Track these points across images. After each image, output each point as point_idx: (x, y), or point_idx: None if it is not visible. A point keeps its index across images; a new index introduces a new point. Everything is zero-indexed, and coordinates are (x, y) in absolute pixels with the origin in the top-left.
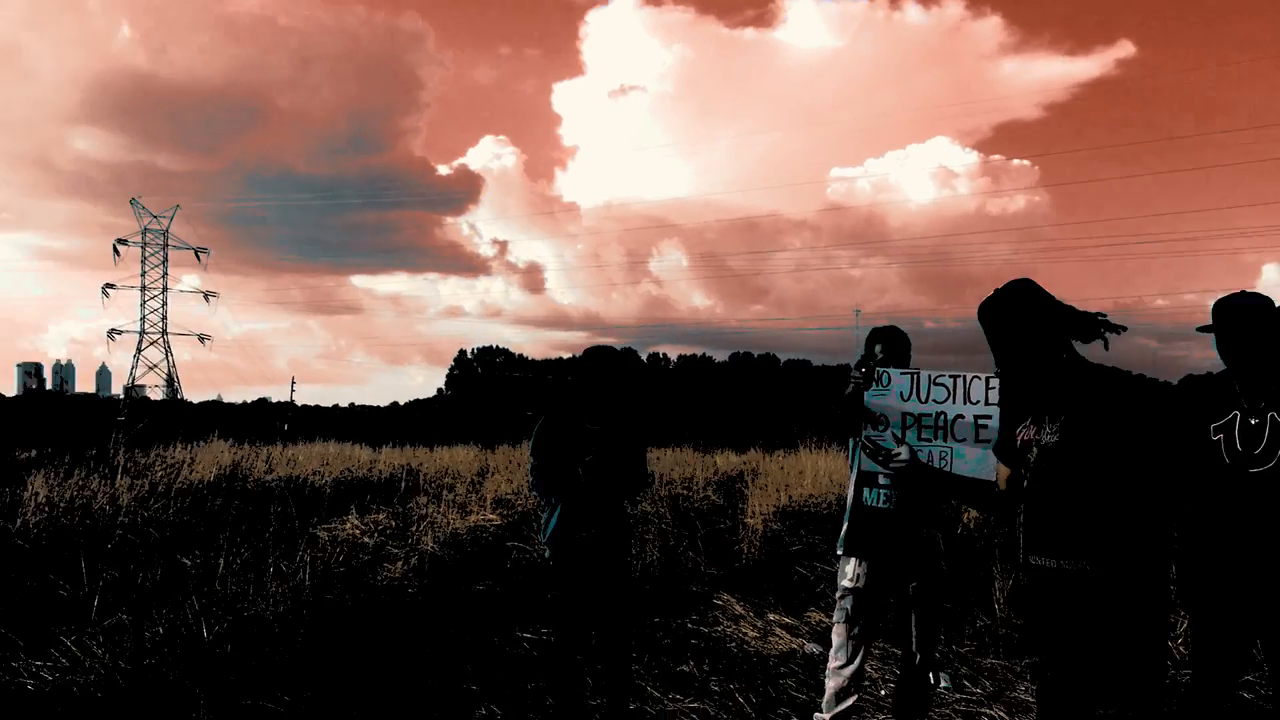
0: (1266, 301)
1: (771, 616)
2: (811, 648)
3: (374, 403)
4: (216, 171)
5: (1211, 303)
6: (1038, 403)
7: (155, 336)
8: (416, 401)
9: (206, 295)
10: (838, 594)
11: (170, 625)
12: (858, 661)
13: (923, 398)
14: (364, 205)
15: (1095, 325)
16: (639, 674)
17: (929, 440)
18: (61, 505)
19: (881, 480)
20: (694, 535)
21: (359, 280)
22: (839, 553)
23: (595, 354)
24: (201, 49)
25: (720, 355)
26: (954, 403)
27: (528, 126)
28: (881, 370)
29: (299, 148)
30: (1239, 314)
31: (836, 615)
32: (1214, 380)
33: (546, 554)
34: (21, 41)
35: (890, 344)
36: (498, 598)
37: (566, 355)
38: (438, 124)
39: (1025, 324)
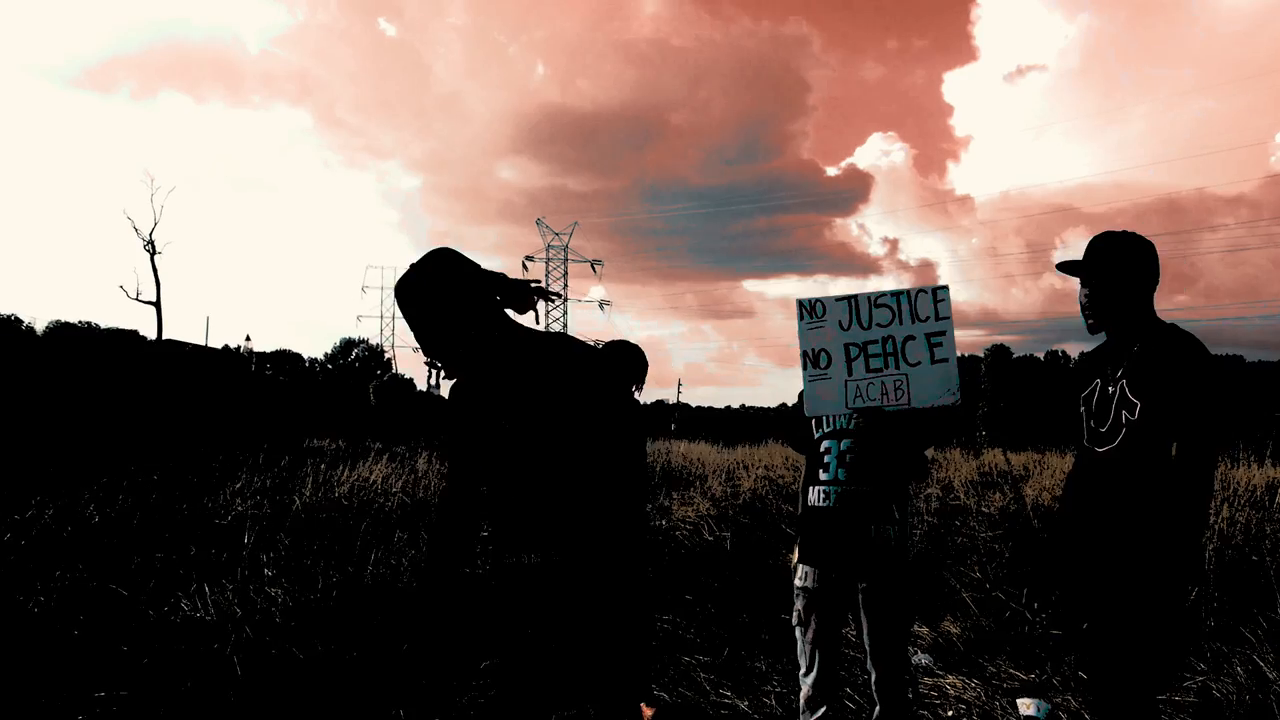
0: (1130, 238)
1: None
2: (921, 658)
3: (764, 404)
4: (617, 190)
5: None
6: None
7: None
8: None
9: (601, 304)
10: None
11: None
12: (818, 668)
13: (865, 323)
14: (754, 211)
15: (528, 293)
16: None
17: (879, 370)
18: None
19: (823, 476)
20: None
21: (751, 285)
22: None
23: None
24: (604, 78)
25: None
26: (901, 323)
27: (917, 120)
28: (815, 300)
29: (692, 161)
30: (1102, 250)
31: (793, 618)
32: (1099, 348)
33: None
34: (461, 90)
35: None
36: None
37: None
38: (825, 126)
39: (447, 300)
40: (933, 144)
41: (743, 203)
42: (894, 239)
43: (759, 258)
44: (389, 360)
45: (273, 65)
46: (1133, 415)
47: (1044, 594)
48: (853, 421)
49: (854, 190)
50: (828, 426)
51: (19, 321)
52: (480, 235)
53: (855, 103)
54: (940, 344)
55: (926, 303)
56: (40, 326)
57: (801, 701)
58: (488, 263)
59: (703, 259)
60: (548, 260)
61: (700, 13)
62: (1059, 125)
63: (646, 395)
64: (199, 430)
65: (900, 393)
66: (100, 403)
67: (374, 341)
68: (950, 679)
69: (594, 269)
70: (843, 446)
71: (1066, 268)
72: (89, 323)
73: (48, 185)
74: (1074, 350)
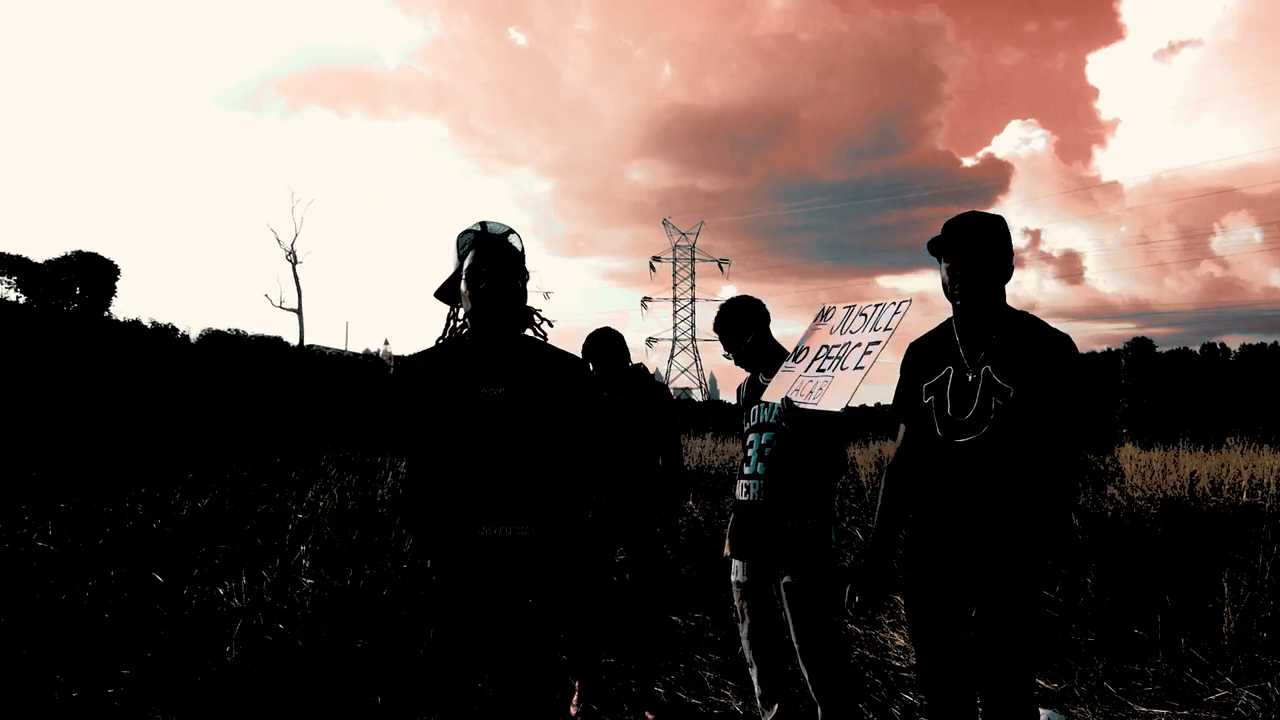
0: (997, 219)
1: None
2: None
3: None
4: (747, 188)
5: None
6: None
7: (685, 343)
8: None
9: None
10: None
11: None
12: (759, 664)
13: (843, 329)
14: (888, 205)
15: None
16: None
17: (822, 372)
18: None
19: (746, 470)
20: None
21: (885, 280)
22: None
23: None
24: (732, 76)
25: None
26: (865, 331)
27: (1059, 105)
28: (830, 306)
29: (823, 156)
30: (960, 231)
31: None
32: (938, 331)
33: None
34: (590, 94)
35: None
36: None
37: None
38: (961, 115)
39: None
40: (1076, 129)
41: (876, 197)
42: (1035, 230)
43: (894, 253)
44: None
45: (410, 79)
46: (1004, 400)
47: (1074, 598)
48: (773, 415)
49: (992, 180)
50: (754, 420)
51: (174, 330)
52: (611, 237)
53: (992, 90)
54: (869, 354)
55: (888, 314)
56: (194, 334)
57: (758, 700)
58: (617, 264)
59: (835, 255)
60: (674, 260)
61: (828, 5)
62: (1216, 102)
63: None
64: (335, 429)
65: (815, 395)
66: (247, 404)
67: None
68: None
69: (721, 267)
70: (763, 440)
71: (931, 247)
72: (237, 330)
73: (202, 202)
74: (1235, 343)
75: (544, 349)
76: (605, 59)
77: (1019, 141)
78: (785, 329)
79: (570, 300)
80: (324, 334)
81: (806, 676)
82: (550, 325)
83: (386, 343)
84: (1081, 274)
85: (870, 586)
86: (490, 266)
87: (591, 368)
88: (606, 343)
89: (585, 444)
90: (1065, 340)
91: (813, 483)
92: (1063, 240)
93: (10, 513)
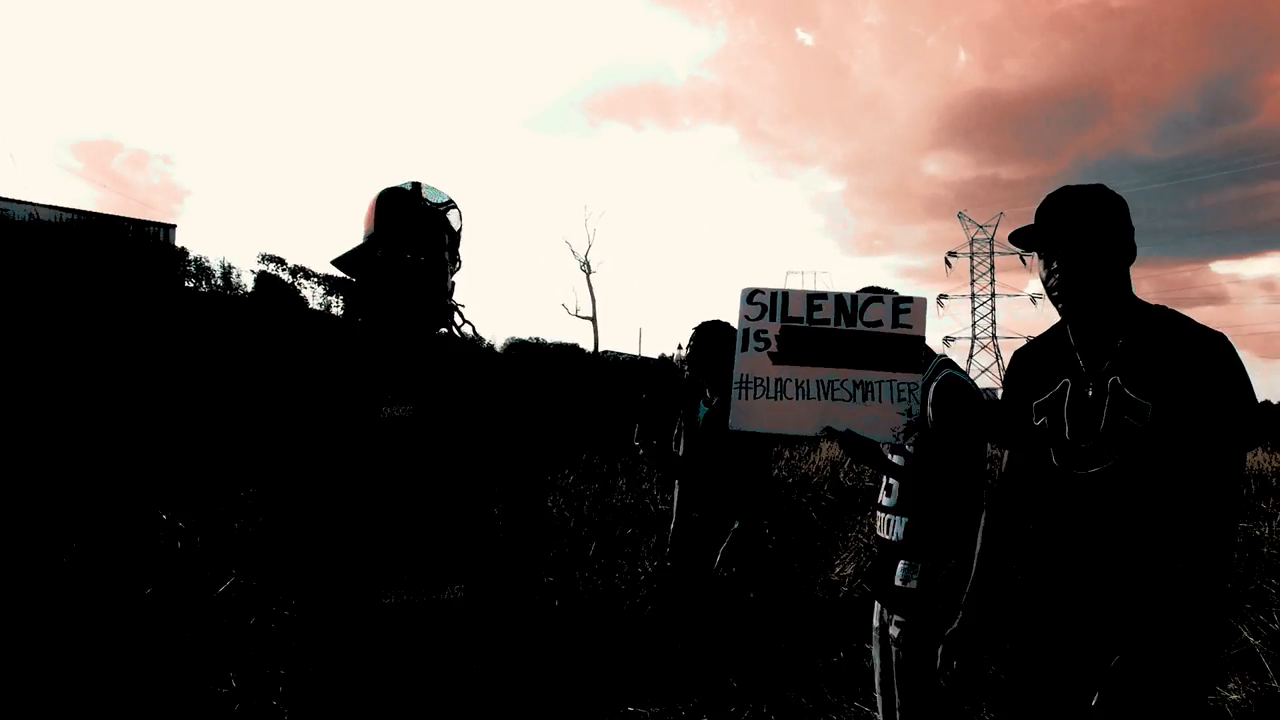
0: (1100, 190)
1: None
2: None
3: None
4: (1054, 174)
5: None
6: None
7: (985, 341)
8: None
9: (1033, 298)
10: None
11: None
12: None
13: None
14: (1223, 181)
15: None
16: None
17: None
18: None
19: (885, 501)
20: None
21: (1220, 266)
22: None
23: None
24: (1034, 54)
25: None
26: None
27: None
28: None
29: (1141, 133)
30: (1053, 214)
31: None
32: (1050, 334)
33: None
34: (881, 88)
35: None
36: None
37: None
38: None
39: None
40: None
41: (1208, 172)
42: None
43: (1231, 235)
44: None
45: (700, 88)
46: (1139, 420)
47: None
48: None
49: None
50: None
51: (481, 339)
52: (908, 234)
53: None
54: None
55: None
56: (499, 344)
57: None
58: (913, 261)
59: (1158, 240)
60: (972, 255)
61: None
62: None
63: None
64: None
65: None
66: (548, 408)
67: None
68: None
69: (1023, 261)
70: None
71: (1019, 239)
72: (537, 338)
73: (506, 217)
74: None
75: (468, 354)
76: (895, 51)
77: None
78: None
79: None
80: (618, 340)
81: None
82: (472, 326)
83: (680, 347)
84: None
85: (968, 652)
86: (396, 238)
87: (694, 363)
88: (714, 337)
89: (523, 475)
90: (1219, 340)
91: (951, 516)
92: None
93: None
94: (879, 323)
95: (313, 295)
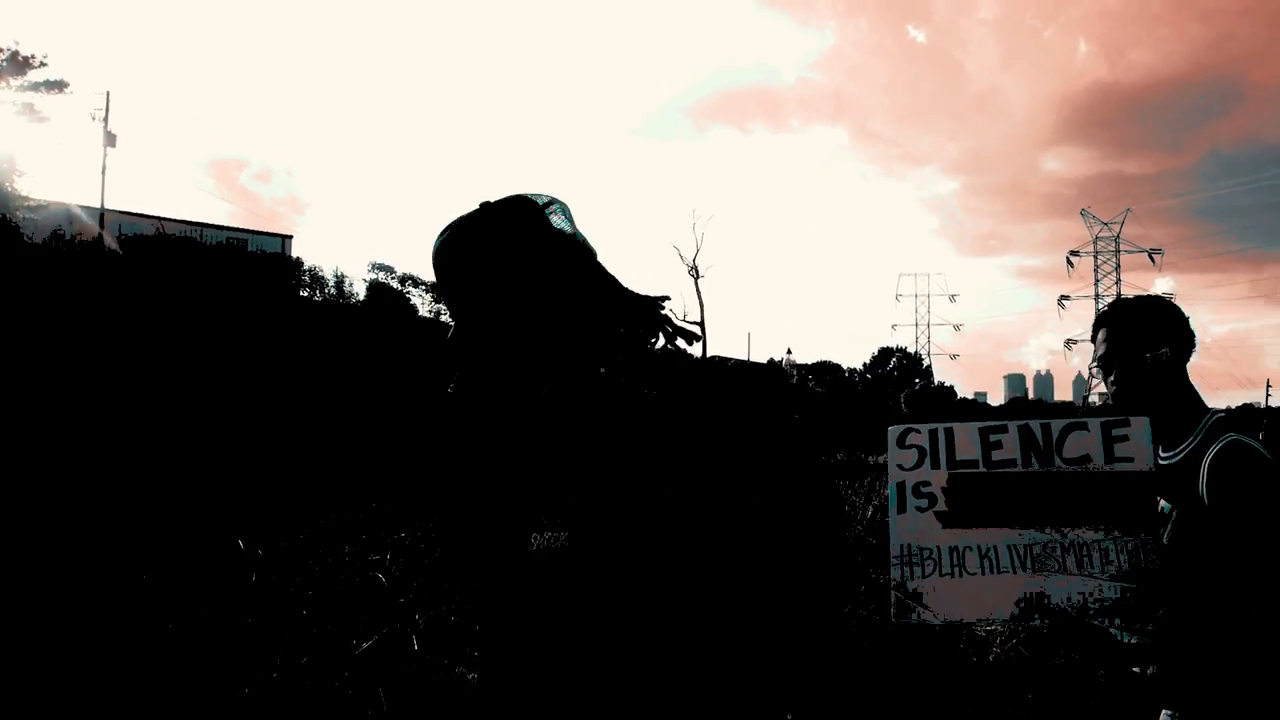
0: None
1: None
2: None
3: None
4: (1184, 166)
5: None
6: None
7: None
8: None
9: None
10: None
11: None
12: None
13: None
14: None
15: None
16: None
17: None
18: None
19: None
20: None
21: None
22: None
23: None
24: (1161, 42)
25: None
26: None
27: None
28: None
29: None
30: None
31: None
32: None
33: None
34: (997, 84)
35: None
36: None
37: None
38: None
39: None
40: None
41: None
42: None
43: None
44: (928, 368)
45: (808, 90)
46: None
47: None
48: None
49: None
50: None
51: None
52: (1026, 233)
53: None
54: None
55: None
56: None
57: None
58: (1031, 261)
59: None
60: (1096, 254)
61: None
62: None
63: (1229, 398)
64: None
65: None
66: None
67: (911, 349)
68: None
69: (1152, 259)
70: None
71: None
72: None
73: (617, 224)
74: None
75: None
76: (1011, 45)
77: None
78: (1235, 324)
79: (979, 302)
80: (726, 345)
81: None
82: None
83: (789, 352)
84: None
85: None
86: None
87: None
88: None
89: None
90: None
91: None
92: None
93: None
94: (1085, 458)
95: (422, 303)
